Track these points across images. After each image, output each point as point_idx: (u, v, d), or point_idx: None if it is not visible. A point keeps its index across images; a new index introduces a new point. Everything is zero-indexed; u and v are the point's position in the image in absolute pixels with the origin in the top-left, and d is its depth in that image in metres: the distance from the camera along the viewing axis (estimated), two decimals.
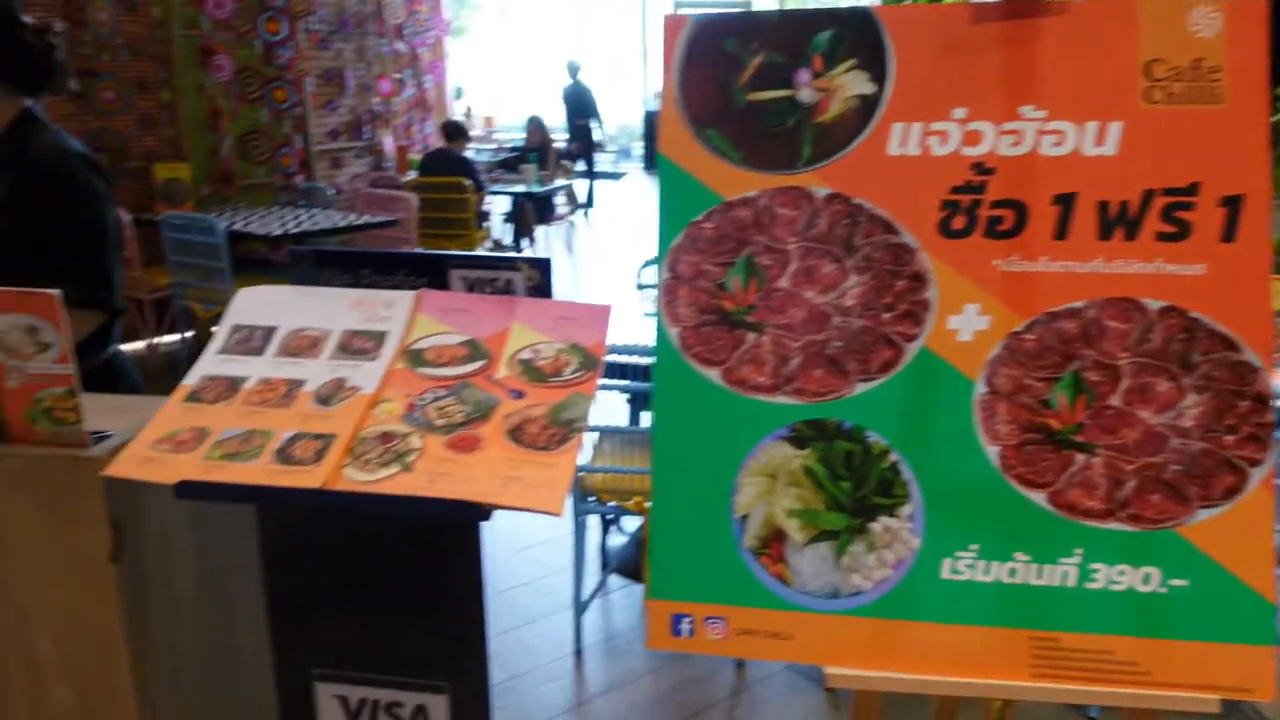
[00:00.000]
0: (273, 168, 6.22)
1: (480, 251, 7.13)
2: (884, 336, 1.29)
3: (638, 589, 3.18)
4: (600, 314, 1.46)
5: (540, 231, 8.10)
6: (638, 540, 2.97)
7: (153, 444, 1.29)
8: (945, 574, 1.29)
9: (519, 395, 1.35)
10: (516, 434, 1.28)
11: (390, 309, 1.49)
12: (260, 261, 5.67)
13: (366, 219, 5.33)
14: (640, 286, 3.77)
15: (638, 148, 18.08)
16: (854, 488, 1.31)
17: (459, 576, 1.35)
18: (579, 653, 2.81)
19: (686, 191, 1.33)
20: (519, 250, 7.83)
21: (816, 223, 1.30)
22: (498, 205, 8.35)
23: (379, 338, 1.45)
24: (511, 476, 1.22)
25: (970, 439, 1.27)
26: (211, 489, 1.23)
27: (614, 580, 3.22)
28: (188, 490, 1.23)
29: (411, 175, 7.07)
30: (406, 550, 1.35)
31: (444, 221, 6.44)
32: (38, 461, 1.25)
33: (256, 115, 6.07)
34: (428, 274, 1.55)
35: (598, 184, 11.45)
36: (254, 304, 1.52)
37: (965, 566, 1.28)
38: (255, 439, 1.30)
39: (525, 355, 1.41)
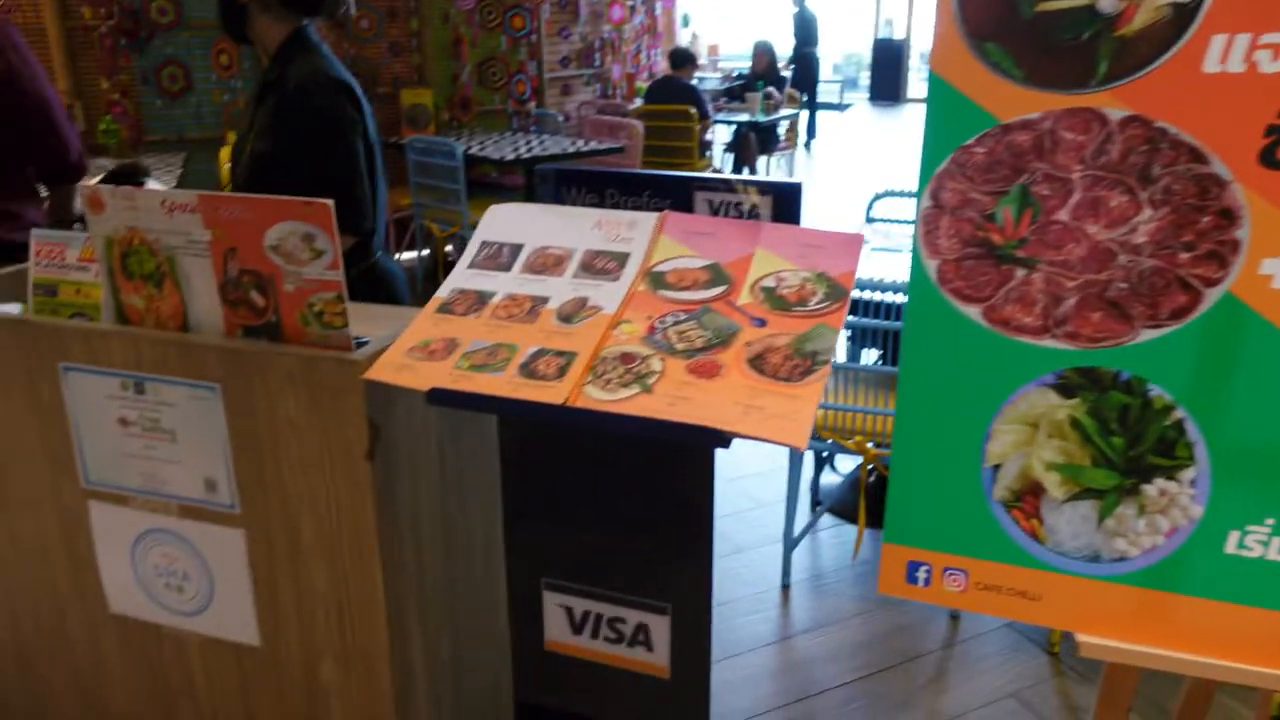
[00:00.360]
0: (507, 94, 6.40)
1: None
2: (1179, 279, 1.14)
3: (848, 529, 3.11)
4: (851, 243, 1.39)
5: (761, 162, 7.95)
6: (854, 481, 2.90)
7: (407, 351, 1.35)
8: (1230, 548, 1.15)
9: (761, 323, 1.31)
10: (758, 363, 1.25)
11: (633, 230, 1.48)
12: (492, 185, 5.89)
13: (593, 145, 5.40)
14: (869, 220, 3.62)
15: (865, 78, 17.36)
16: (1127, 445, 1.19)
17: (690, 500, 1.34)
18: (786, 587, 2.78)
19: (958, 112, 1.22)
20: None
21: (1108, 149, 1.16)
22: (718, 134, 8.24)
23: (621, 258, 1.44)
24: (752, 405, 1.19)
25: (1277, 402, 1.11)
26: (459, 397, 1.27)
27: (823, 518, 3.17)
28: (438, 397, 1.28)
29: (638, 103, 7.09)
30: (640, 470, 1.35)
31: (667, 150, 6.43)
32: (309, 361, 1.33)
33: (495, 42, 6.25)
34: (672, 195, 1.52)
35: (821, 115, 11.09)
36: (502, 221, 1.55)
37: (1256, 543, 1.14)
38: (501, 352, 1.32)
39: (769, 282, 1.36)
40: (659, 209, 1.52)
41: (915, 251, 1.27)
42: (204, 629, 1.55)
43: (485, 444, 1.66)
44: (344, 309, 1.33)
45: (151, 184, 1.78)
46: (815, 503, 3.27)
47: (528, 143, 5.49)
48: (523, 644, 1.49)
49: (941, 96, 1.23)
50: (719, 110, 7.55)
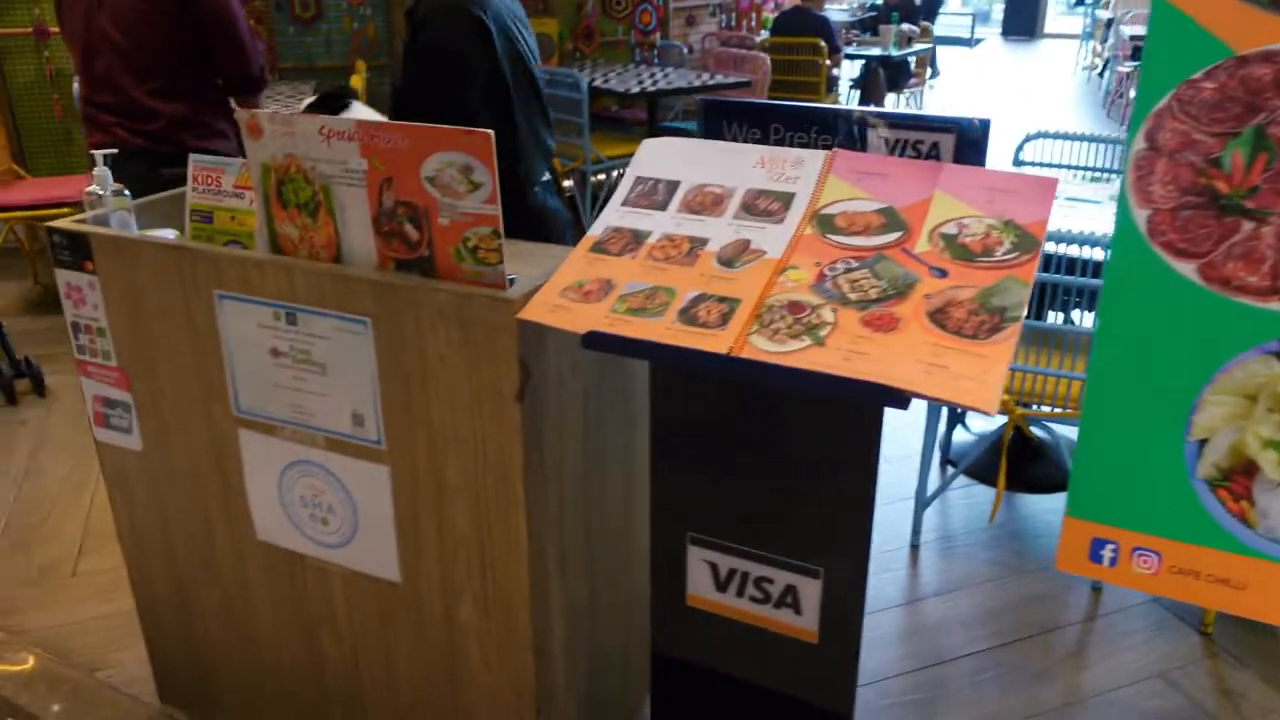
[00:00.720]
0: (630, 25, 6.26)
1: None
2: None
3: (979, 489, 2.98)
4: (1043, 188, 1.26)
5: (889, 100, 7.62)
6: (995, 441, 2.76)
7: (561, 291, 1.29)
8: None
9: (941, 274, 1.21)
10: (940, 317, 1.15)
11: (799, 168, 1.38)
12: (612, 119, 5.79)
13: (718, 79, 5.24)
14: (1018, 163, 3.40)
15: (998, 10, 16.49)
16: None
17: (854, 461, 1.26)
18: (915, 548, 2.69)
19: (1184, 41, 1.08)
20: None
21: None
22: (843, 69, 7.90)
23: (786, 199, 1.35)
24: (935, 364, 1.09)
25: None
26: (617, 342, 1.21)
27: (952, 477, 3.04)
28: (594, 341, 1.22)
29: (764, 35, 6.86)
30: (800, 426, 1.28)
31: (792, 85, 6.21)
32: (462, 298, 1.29)
33: None
34: (843, 132, 1.42)
35: (948, 51, 10.55)
36: (657, 156, 1.47)
37: None
38: (659, 296, 1.26)
39: (949, 229, 1.25)
40: (827, 146, 1.42)
41: (1122, 200, 1.15)
42: (347, 562, 1.56)
43: (627, 390, 1.61)
44: (499, 245, 1.28)
45: (359, 108, 1.77)
46: (945, 461, 3.15)
47: (651, 75, 5.37)
48: (664, 598, 1.45)
49: (1166, 22, 1.10)
50: (848, 43, 7.24)
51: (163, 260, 1.51)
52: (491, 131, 1.23)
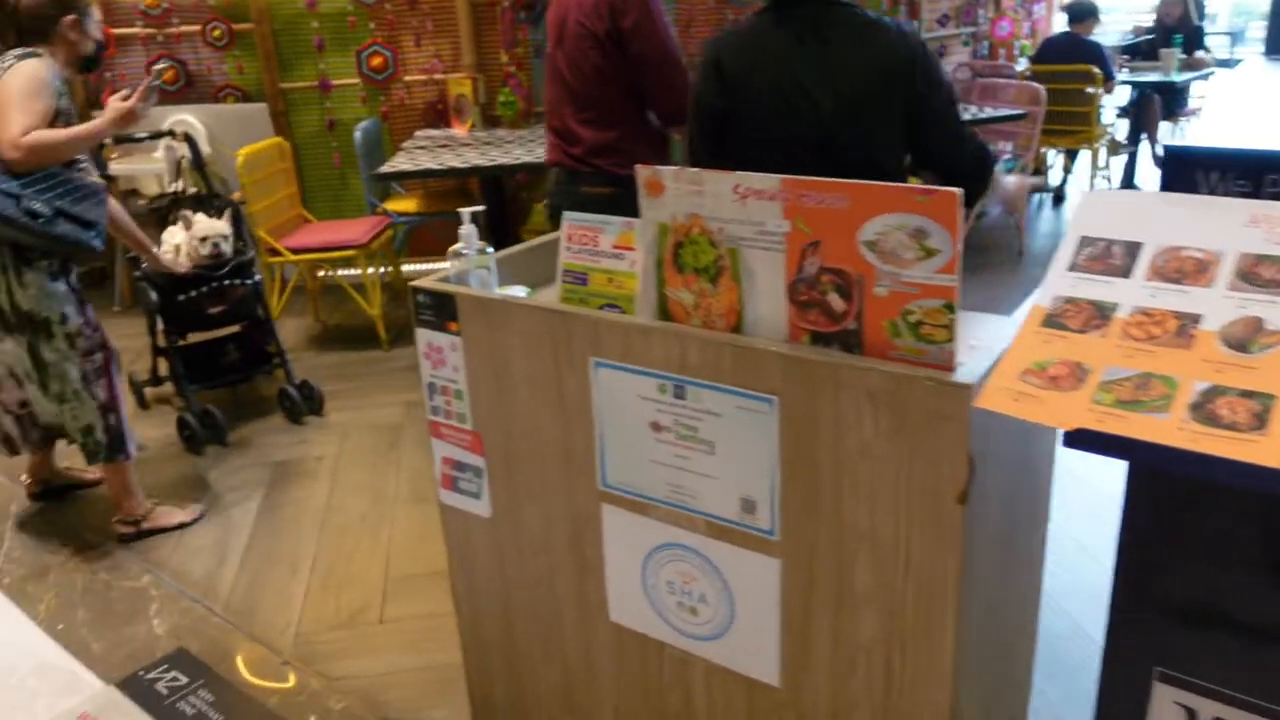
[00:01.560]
0: None
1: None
2: None
3: None
4: None
5: (1164, 129, 6.95)
6: None
7: (1021, 375, 1.09)
8: None
9: None
10: None
11: None
12: None
13: (989, 112, 4.89)
14: None
15: (1254, 29, 15.04)
16: None
17: None
18: None
19: None
20: (1135, 151, 6.81)
21: None
22: (1109, 98, 7.30)
23: None
24: None
25: None
26: (1114, 443, 1.00)
27: None
28: (1083, 440, 1.01)
29: (1023, 64, 6.43)
30: None
31: (1059, 115, 5.75)
32: (900, 380, 1.12)
33: (876, 1, 5.85)
34: None
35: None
36: (1107, 212, 1.25)
37: None
38: (1155, 386, 1.03)
39: None
40: None
41: None
42: (714, 656, 1.41)
43: (1034, 487, 1.39)
44: (951, 321, 1.10)
45: None
46: None
47: None
48: None
49: None
50: (1118, 69, 6.67)
51: (535, 324, 1.43)
52: (958, 191, 1.05)
